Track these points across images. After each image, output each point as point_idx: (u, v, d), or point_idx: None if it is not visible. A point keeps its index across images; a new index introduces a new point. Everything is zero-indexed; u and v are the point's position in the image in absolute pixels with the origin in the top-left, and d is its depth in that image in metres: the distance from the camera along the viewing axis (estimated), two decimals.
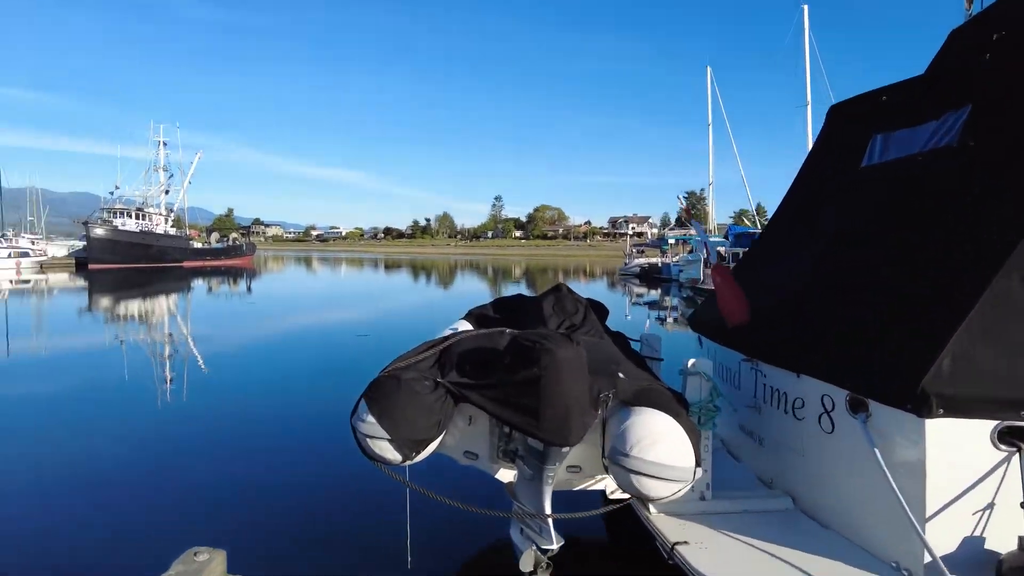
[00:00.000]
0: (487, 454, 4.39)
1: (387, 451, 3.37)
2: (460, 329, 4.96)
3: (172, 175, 76.33)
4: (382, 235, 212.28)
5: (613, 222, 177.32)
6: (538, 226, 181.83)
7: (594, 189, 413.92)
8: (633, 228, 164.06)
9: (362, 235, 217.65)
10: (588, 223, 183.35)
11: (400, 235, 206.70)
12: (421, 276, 57.76)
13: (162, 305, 31.20)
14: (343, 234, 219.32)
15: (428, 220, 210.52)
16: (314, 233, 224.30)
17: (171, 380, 13.26)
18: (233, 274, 56.74)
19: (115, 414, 10.68)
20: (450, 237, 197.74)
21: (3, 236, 68.34)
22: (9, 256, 55.81)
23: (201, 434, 9.51)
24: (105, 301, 32.39)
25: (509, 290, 43.28)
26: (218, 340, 19.63)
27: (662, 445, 3.37)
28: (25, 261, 56.76)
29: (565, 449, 3.67)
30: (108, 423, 10.09)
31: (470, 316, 5.63)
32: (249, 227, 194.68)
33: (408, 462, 3.62)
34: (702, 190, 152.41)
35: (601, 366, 3.62)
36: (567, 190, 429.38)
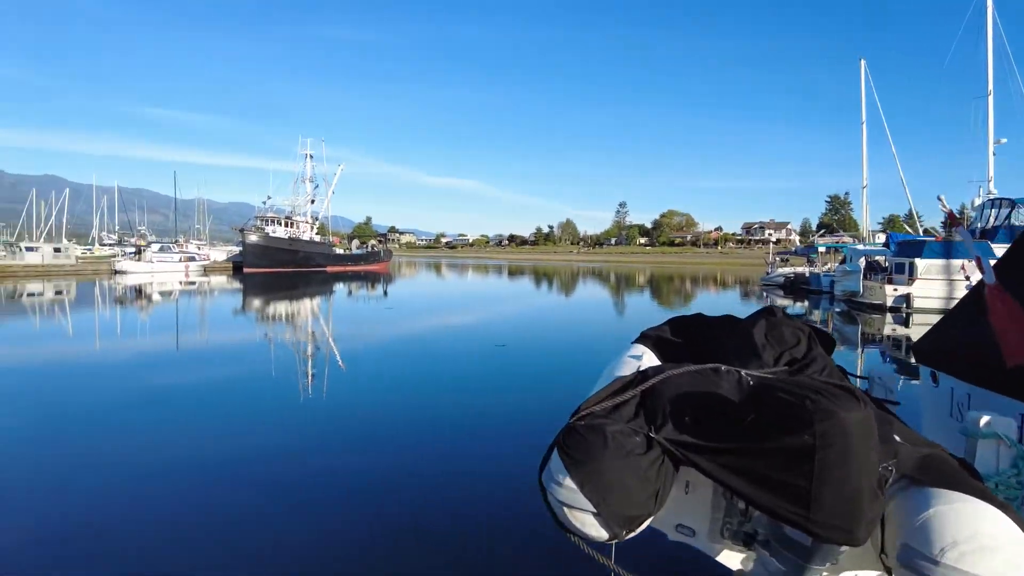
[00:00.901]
0: (707, 531, 3.07)
1: (590, 526, 2.54)
2: (639, 355, 3.80)
3: (317, 186, 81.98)
4: (507, 242, 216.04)
5: (747, 228, 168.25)
6: (664, 232, 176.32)
7: (725, 195, 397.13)
8: (770, 235, 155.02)
9: (488, 242, 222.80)
10: (719, 229, 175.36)
11: (524, 242, 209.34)
12: (544, 282, 57.67)
13: (306, 306, 33.09)
14: (470, 241, 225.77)
15: (551, 227, 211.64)
16: (444, 240, 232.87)
17: (312, 377, 13.64)
18: (371, 278, 59.62)
19: (260, 405, 11.06)
20: (572, 244, 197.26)
21: (175, 242, 76.41)
22: (179, 260, 62.10)
23: (336, 432, 9.52)
24: (256, 302, 34.90)
25: (635, 298, 41.87)
26: (358, 341, 20.29)
27: (1000, 555, 2.12)
28: (192, 264, 62.94)
29: (844, 548, 2.42)
30: (256, 414, 10.44)
31: (646, 340, 4.36)
32: (385, 234, 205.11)
33: (615, 540, 2.75)
34: (846, 194, 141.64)
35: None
36: (695, 195, 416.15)
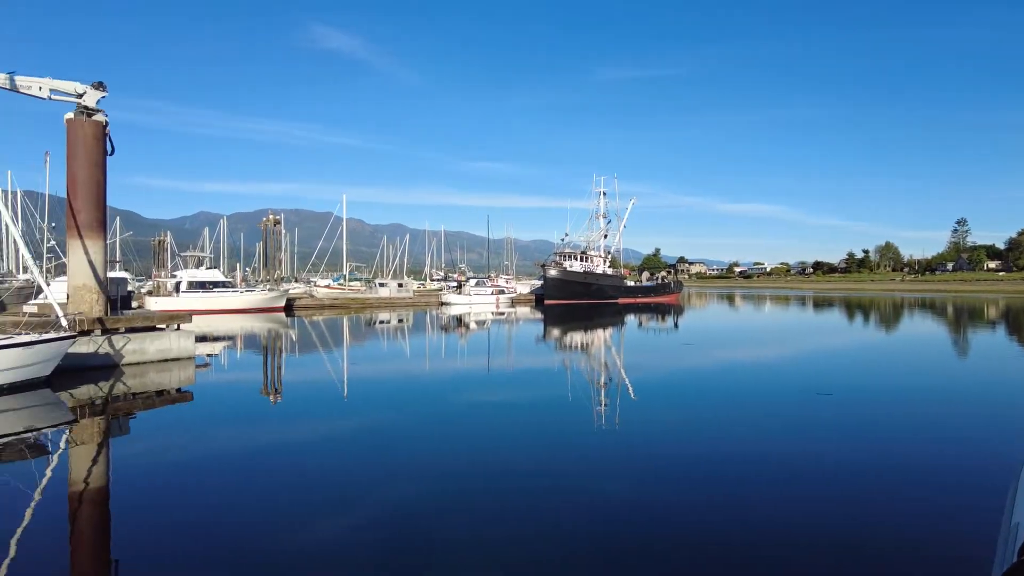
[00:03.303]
0: None
1: None
2: None
3: (610, 221, 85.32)
4: (811, 270, 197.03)
5: None
6: None
7: None
8: None
9: (788, 270, 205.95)
10: None
11: (832, 269, 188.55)
12: (862, 315, 51.08)
13: (600, 337, 34.43)
14: (767, 270, 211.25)
15: (866, 252, 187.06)
16: (737, 269, 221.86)
17: (605, 405, 14.13)
18: (661, 310, 59.65)
19: (557, 428, 11.86)
20: (894, 271, 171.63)
21: (488, 277, 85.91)
22: (492, 293, 69.70)
23: (635, 463, 9.71)
24: (556, 331, 37.41)
25: (1002, 339, 34.73)
26: (650, 372, 20.48)
27: None
28: (502, 297, 70.05)
29: None
30: (552, 436, 11.23)
31: None
32: (674, 265, 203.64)
33: None
34: None
35: None
36: None
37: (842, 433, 11.74)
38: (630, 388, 16.77)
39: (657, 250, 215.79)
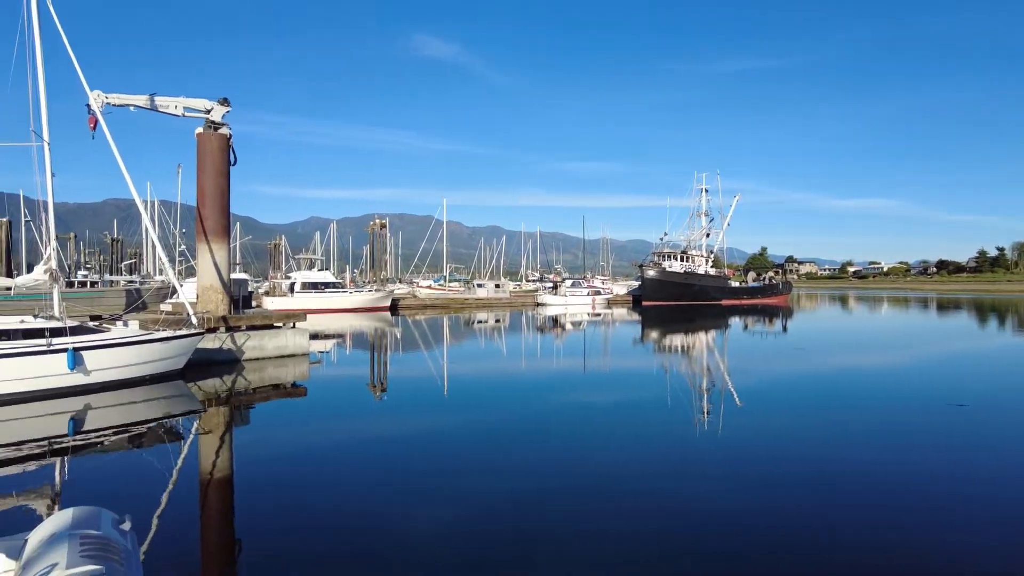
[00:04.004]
0: None
1: None
2: None
3: (713, 219, 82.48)
4: (934, 269, 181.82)
5: None
6: None
7: None
8: None
9: (908, 270, 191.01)
10: None
11: (959, 269, 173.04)
12: (994, 320, 46.60)
13: (701, 340, 33.43)
14: (884, 269, 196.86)
15: (1001, 249, 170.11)
16: (851, 269, 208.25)
17: (708, 413, 13.71)
18: (769, 312, 57.08)
19: (657, 430, 11.62)
20: None
21: (584, 277, 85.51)
22: (587, 294, 69.36)
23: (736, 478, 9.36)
24: (654, 334, 36.68)
25: None
26: (756, 376, 19.66)
27: None
28: (598, 298, 69.55)
29: None
30: (651, 439, 11.02)
31: None
32: (782, 265, 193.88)
33: None
34: None
35: None
36: None
37: (979, 448, 10.78)
38: (735, 394, 16.17)
39: (763, 249, 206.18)
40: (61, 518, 3.45)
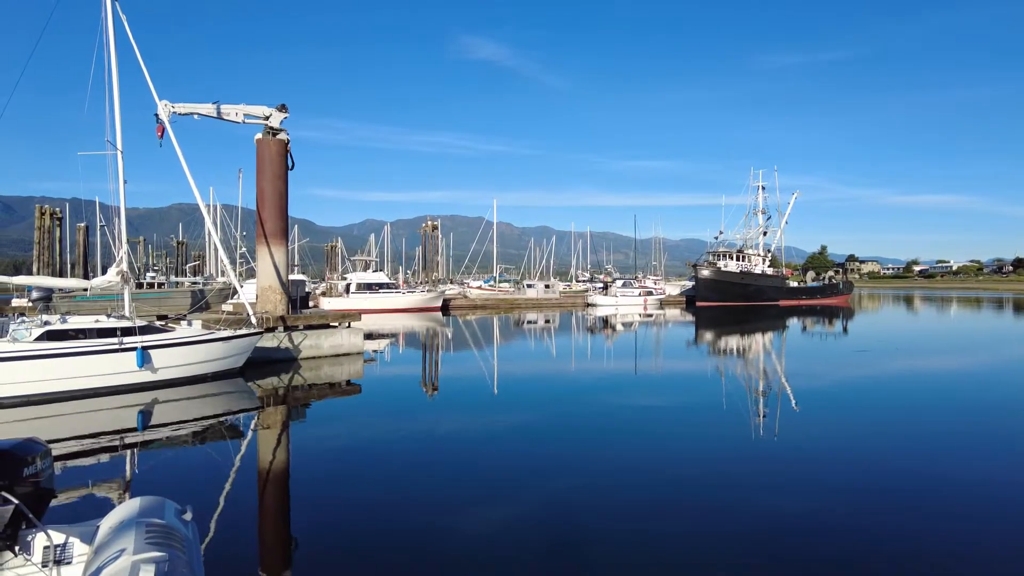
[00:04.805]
0: None
1: None
2: None
3: (770, 217, 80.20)
4: (1010, 268, 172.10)
5: None
6: None
7: None
8: None
9: (980, 269, 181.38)
10: None
11: None
12: None
13: (757, 341, 32.60)
14: (954, 268, 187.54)
15: None
16: (916, 268, 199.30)
17: (764, 416, 13.36)
18: (828, 313, 55.22)
19: (711, 432, 11.40)
20: None
21: (635, 277, 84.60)
22: (639, 295, 68.56)
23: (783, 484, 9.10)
24: (708, 335, 35.97)
25: None
26: (816, 379, 19.07)
27: None
28: (650, 299, 68.65)
29: None
30: (704, 442, 10.82)
31: None
32: (843, 264, 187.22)
33: None
34: None
35: None
36: None
37: None
38: (791, 398, 15.72)
39: (823, 248, 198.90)
40: (129, 507, 3.64)
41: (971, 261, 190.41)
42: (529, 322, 43.62)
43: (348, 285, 52.35)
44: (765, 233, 77.79)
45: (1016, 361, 23.49)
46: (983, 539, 6.89)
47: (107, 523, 3.50)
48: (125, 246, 17.56)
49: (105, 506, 7.73)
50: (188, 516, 3.75)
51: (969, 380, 18.89)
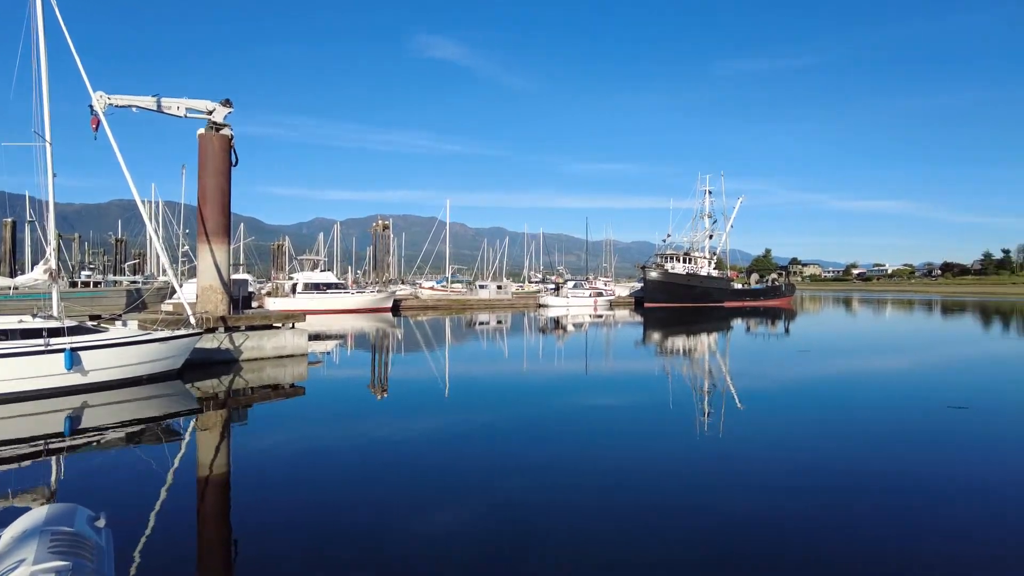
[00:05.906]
0: None
1: None
2: None
3: (716, 220, 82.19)
4: (939, 272, 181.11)
5: None
6: None
7: None
8: None
9: (912, 272, 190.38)
10: None
11: (964, 271, 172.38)
12: (999, 323, 46.33)
13: (703, 342, 33.30)
14: (889, 272, 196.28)
15: (1006, 251, 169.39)
16: (855, 271, 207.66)
17: (709, 415, 13.61)
18: (771, 314, 56.86)
19: (658, 430, 11.54)
20: None
21: (586, 279, 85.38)
22: (590, 296, 69.26)
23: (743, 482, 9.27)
24: (656, 335, 36.56)
25: None
26: (758, 379, 19.57)
27: None
28: (600, 300, 69.40)
29: None
30: (652, 440, 10.94)
31: None
32: (786, 267, 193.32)
33: None
34: None
35: None
36: None
37: (979, 451, 10.70)
38: (736, 397, 16.08)
39: (767, 251, 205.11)
40: (35, 515, 3.41)
41: (905, 265, 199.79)
42: (481, 323, 43.49)
43: (295, 285, 51.19)
44: (711, 236, 79.75)
45: (941, 360, 24.64)
46: (918, 530, 7.14)
47: (9, 533, 3.26)
48: (53, 242, 16.69)
49: (14, 515, 7.29)
50: (101, 523, 3.54)
51: (899, 378, 19.69)
